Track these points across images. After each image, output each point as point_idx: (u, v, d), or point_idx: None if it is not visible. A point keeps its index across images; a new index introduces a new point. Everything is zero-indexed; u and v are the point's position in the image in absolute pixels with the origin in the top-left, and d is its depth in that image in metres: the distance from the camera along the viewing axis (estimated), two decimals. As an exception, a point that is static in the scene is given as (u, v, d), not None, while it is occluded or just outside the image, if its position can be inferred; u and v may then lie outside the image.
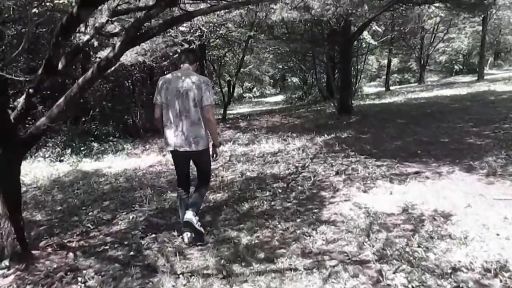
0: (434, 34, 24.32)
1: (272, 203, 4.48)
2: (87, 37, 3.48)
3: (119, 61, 3.65)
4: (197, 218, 3.54)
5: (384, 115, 9.98)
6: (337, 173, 5.44)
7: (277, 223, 3.85)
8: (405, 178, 4.93)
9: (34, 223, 4.54)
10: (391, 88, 24.08)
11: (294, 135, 8.86)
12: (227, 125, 11.99)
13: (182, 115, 3.43)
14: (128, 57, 7.82)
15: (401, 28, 18.89)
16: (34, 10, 4.68)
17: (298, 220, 3.91)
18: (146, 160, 8.40)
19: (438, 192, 4.34)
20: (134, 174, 7.18)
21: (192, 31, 8.90)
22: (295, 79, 29.22)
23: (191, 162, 3.76)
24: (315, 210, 4.13)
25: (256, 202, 4.51)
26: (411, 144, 6.81)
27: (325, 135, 8.12)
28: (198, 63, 3.92)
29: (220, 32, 10.67)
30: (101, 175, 7.35)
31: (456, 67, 29.64)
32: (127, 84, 15.96)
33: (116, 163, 8.45)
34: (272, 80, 36.42)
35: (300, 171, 5.72)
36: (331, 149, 6.94)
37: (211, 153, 3.69)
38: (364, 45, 16.08)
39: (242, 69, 28.38)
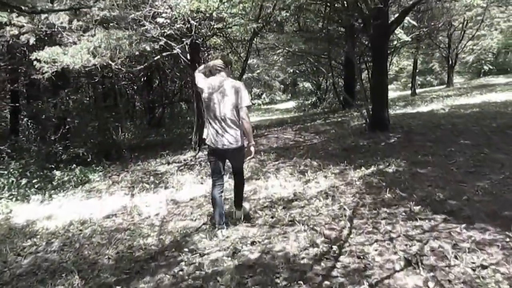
0: (463, 30, 21.62)
1: None
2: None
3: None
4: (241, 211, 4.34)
5: (434, 132, 7.40)
6: (407, 262, 2.93)
7: None
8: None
9: None
10: (417, 91, 21.41)
11: (315, 164, 6.35)
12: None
13: (221, 116, 3.79)
14: (76, 58, 5.41)
15: (432, 23, 16.24)
16: None
17: None
18: (107, 203, 5.98)
19: None
20: (79, 233, 4.78)
21: (172, 22, 6.47)
22: (307, 84, 26.73)
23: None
24: None
25: None
26: (509, 187, 4.26)
27: (362, 167, 5.59)
28: (230, 67, 4.11)
29: (215, 26, 8.19)
30: (31, 233, 4.97)
31: (485, 67, 26.77)
32: (110, 93, 13.68)
33: (66, 207, 6.06)
34: (282, 86, 33.95)
35: (335, 254, 3.21)
36: (378, 197, 4.41)
37: (245, 151, 3.96)
38: (395, 42, 13.49)
39: (250, 74, 26.30)
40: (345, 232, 3.59)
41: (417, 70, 27.86)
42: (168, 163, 8.33)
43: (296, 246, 3.44)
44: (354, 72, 17.44)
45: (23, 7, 2.89)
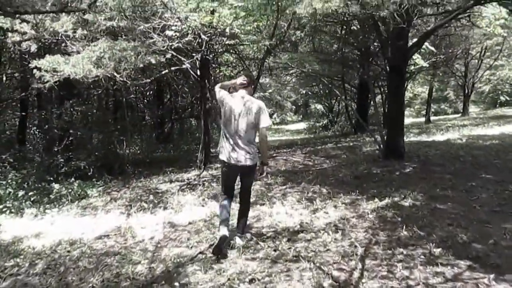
0: (481, 60, 21.24)
1: None
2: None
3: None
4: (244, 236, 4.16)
5: (453, 164, 6.96)
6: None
7: None
8: None
9: None
10: (431, 119, 20.95)
11: (325, 191, 5.97)
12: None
13: (239, 133, 3.84)
14: (77, 68, 5.15)
15: (450, 50, 15.90)
16: None
17: None
18: (101, 222, 5.63)
19: None
20: (66, 255, 4.42)
21: (181, 36, 6.22)
22: (319, 106, 26.43)
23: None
24: None
25: None
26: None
27: (375, 199, 5.18)
28: (253, 85, 4.24)
29: (227, 42, 7.93)
30: (16, 252, 4.62)
31: (502, 98, 26.26)
32: (119, 106, 13.48)
33: (59, 224, 5.72)
34: (294, 106, 33.71)
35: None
36: (393, 234, 4.00)
37: (259, 169, 4.06)
38: (411, 67, 13.13)
39: (261, 93, 26.07)
40: (356, 274, 3.18)
41: (431, 98, 27.50)
42: (171, 181, 7.99)
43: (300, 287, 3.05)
44: (368, 96, 17.18)
45: (8, 9, 2.68)
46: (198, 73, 8.95)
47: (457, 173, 6.27)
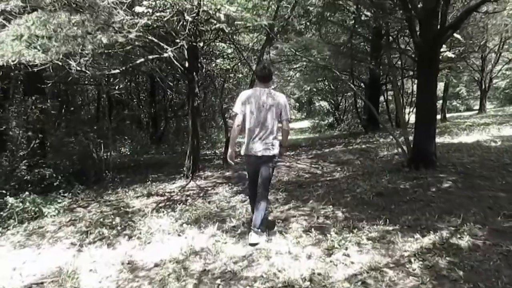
0: (499, 53, 19.67)
1: None
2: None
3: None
4: (261, 232, 4.00)
5: (504, 176, 5.40)
6: None
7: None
8: None
9: None
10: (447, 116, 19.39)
11: (340, 215, 4.52)
12: (222, 179, 7.71)
13: (263, 126, 4.02)
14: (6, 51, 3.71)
15: (471, 41, 14.33)
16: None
17: None
18: (43, 257, 4.22)
19: None
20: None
21: (152, 11, 4.75)
22: (324, 103, 24.92)
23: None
24: None
25: None
26: None
27: (416, 233, 3.71)
28: (272, 79, 4.41)
29: (217, 26, 6.44)
30: None
31: (519, 94, 24.70)
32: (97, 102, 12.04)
33: (-13, 260, 4.29)
34: (297, 104, 32.16)
35: None
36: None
37: (279, 152, 4.18)
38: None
39: (263, 90, 24.49)
40: None
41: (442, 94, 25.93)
42: (149, 195, 6.56)
43: None
44: (379, 92, 15.67)
45: None
46: (186, 64, 7.53)
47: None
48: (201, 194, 6.23)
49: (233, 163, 4.29)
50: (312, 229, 4.11)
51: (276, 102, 4.02)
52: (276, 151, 4.08)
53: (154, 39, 5.88)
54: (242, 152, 4.16)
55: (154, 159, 12.45)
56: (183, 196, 6.26)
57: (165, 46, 6.37)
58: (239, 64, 11.16)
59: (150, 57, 6.44)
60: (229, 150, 4.24)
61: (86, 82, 9.00)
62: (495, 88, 26.33)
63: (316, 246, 3.71)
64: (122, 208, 5.83)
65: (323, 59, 10.77)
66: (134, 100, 17.50)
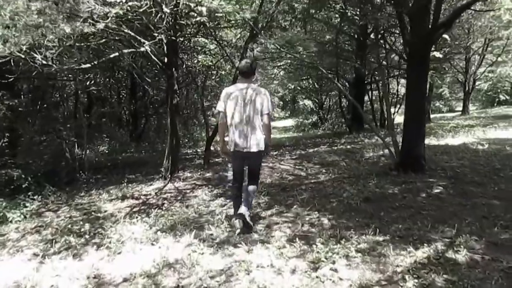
0: (483, 55, 19.73)
1: None
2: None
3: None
4: (249, 212, 4.09)
5: (496, 182, 5.17)
6: None
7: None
8: None
9: None
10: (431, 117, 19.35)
11: (326, 223, 4.24)
12: (202, 180, 7.37)
13: (245, 121, 4.04)
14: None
15: (457, 42, 14.24)
16: None
17: None
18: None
19: None
20: None
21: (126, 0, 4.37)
22: (308, 102, 24.74)
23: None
24: None
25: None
26: None
27: (407, 244, 3.44)
28: (255, 75, 4.43)
29: (198, 19, 6.08)
30: None
31: (501, 96, 24.84)
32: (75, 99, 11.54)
33: None
34: (281, 102, 31.90)
35: None
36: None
37: (264, 150, 4.18)
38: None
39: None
40: None
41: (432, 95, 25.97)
42: (124, 198, 6.17)
43: None
44: (363, 92, 15.48)
45: None
46: (166, 60, 7.15)
47: (508, 197, 4.56)
48: (179, 198, 5.87)
49: (227, 157, 4.47)
50: (297, 239, 3.80)
51: (258, 96, 4.04)
52: (262, 146, 4.09)
53: (130, 32, 5.48)
54: (229, 147, 4.17)
55: (133, 158, 12.01)
56: (160, 199, 5.89)
57: (142, 40, 5.99)
58: (222, 60, 10.78)
59: (126, 51, 6.04)
60: (221, 145, 4.37)
61: (61, 77, 8.47)
62: (477, 90, 26.52)
63: (301, 259, 3.41)
64: (93, 212, 5.43)
65: (309, 56, 10.48)
66: (114, 97, 16.96)
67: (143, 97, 16.40)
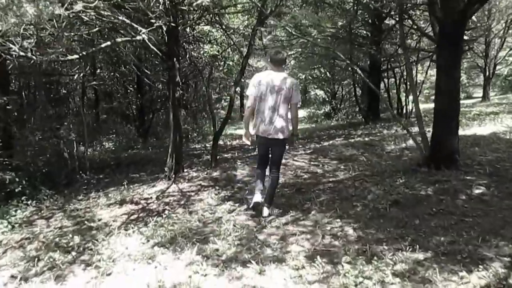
0: (504, 38, 18.72)
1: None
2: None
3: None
4: (267, 205, 4.26)
5: None
6: None
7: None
8: None
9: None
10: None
11: (351, 233, 3.60)
12: (209, 181, 6.76)
13: (273, 108, 4.10)
14: None
15: (478, 25, 13.37)
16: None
17: None
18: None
19: None
20: None
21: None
22: (320, 92, 23.96)
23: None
24: None
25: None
26: None
27: (455, 264, 2.79)
28: (285, 65, 4.81)
29: (199, 2, 5.44)
30: None
31: (523, 81, 23.78)
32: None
33: None
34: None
35: None
36: None
37: (289, 140, 4.34)
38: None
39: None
40: None
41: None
42: (122, 203, 5.59)
43: None
44: (379, 80, 14.69)
45: None
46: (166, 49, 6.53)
47: None
48: (182, 202, 5.27)
49: (249, 143, 4.39)
50: (318, 256, 3.17)
51: (288, 86, 4.10)
52: (286, 134, 4.18)
53: (126, 20, 4.86)
54: (253, 132, 4.28)
55: (139, 155, 11.49)
56: (161, 204, 5.29)
57: (140, 28, 5.36)
58: (229, 50, 10.11)
59: (119, 39, 5.42)
60: (244, 131, 4.36)
61: (58, 73, 7.92)
62: (497, 75, 25.41)
63: (324, 285, 2.78)
64: (86, 222, 4.85)
65: (323, 41, 9.76)
66: (121, 92, 16.43)
67: (149, 91, 15.84)
